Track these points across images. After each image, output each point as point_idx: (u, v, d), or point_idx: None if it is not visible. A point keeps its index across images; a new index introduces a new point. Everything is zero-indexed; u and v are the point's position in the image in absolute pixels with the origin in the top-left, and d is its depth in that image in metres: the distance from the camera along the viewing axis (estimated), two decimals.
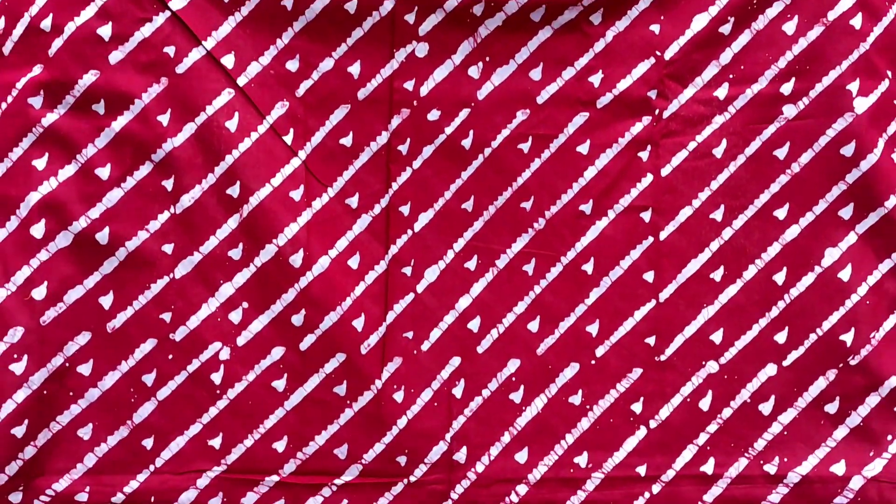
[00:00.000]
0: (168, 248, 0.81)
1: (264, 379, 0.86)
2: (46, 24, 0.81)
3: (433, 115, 0.85)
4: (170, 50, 0.81)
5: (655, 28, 0.83)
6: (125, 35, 0.81)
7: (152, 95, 0.81)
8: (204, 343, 0.85)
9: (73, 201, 0.81)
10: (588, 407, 0.86)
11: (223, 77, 0.82)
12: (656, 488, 0.86)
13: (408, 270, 0.85)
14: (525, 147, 0.86)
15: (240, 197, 0.83)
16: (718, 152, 0.85)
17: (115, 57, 0.81)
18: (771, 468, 0.85)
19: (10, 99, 0.81)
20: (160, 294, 0.84)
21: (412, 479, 0.86)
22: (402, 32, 0.85)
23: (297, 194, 0.84)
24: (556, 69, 0.86)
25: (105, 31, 0.80)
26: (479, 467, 0.86)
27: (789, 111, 0.85)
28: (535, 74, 0.85)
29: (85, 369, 0.82)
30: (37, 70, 0.82)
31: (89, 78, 0.80)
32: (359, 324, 0.84)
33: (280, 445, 0.85)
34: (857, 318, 0.84)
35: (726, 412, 0.86)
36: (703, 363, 0.86)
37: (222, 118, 0.81)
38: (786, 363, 0.85)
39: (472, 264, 0.85)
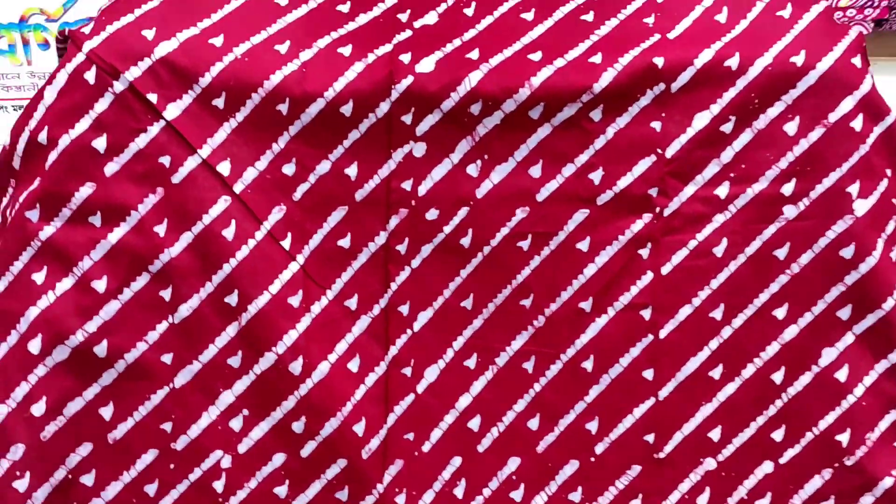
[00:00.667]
0: (167, 358, 0.80)
1: (266, 486, 0.85)
2: (43, 137, 0.80)
3: (431, 214, 0.84)
4: (165, 160, 0.79)
5: (657, 125, 0.82)
6: (120, 146, 0.79)
7: (148, 206, 0.80)
8: (205, 451, 0.84)
9: (70, 315, 0.80)
10: None
11: (219, 184, 0.81)
12: None
13: (408, 371, 0.84)
14: (525, 245, 0.84)
15: (238, 305, 0.82)
16: (719, 251, 0.85)
17: (111, 169, 0.79)
18: None
19: (11, 213, 0.80)
20: (160, 404, 0.83)
21: None
22: (399, 133, 0.83)
23: (295, 300, 0.83)
24: (556, 166, 0.84)
25: (100, 143, 0.79)
26: None
27: (790, 212, 0.84)
28: (535, 171, 0.84)
29: (88, 480, 0.81)
30: (34, 184, 0.80)
31: (85, 191, 0.79)
32: (360, 428, 0.83)
33: None
34: (853, 418, 0.84)
35: None
36: (702, 460, 0.85)
37: (219, 226, 0.80)
38: (782, 461, 0.84)
39: (471, 362, 0.84)
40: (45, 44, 1.96)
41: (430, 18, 0.86)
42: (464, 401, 0.85)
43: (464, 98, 0.82)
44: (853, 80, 0.82)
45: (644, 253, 0.85)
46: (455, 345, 0.85)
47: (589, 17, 0.85)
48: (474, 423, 0.85)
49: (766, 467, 0.85)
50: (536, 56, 0.83)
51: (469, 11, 0.86)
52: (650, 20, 0.85)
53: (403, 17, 0.85)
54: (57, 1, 1.95)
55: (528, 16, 0.86)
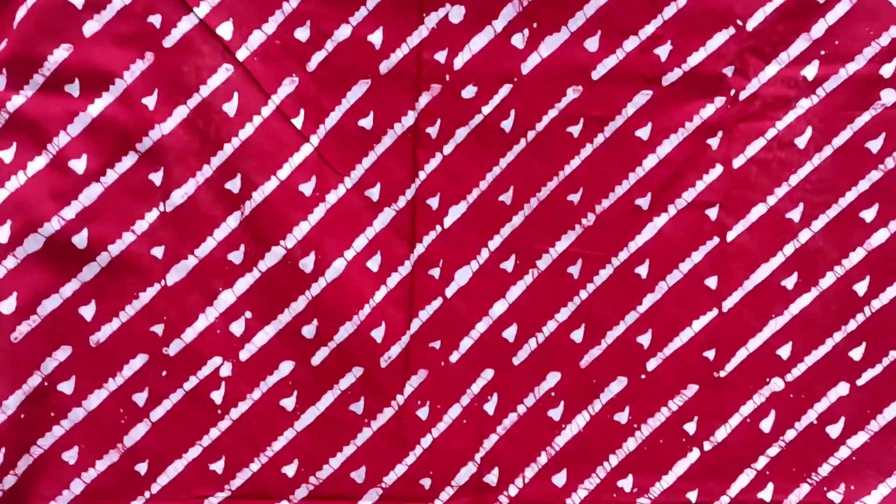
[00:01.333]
0: (158, 252, 0.79)
1: (271, 397, 0.85)
2: None
3: (468, 91, 0.82)
4: (155, 19, 0.76)
5: None
6: (102, 2, 0.75)
7: (135, 74, 0.77)
8: (202, 358, 0.83)
9: (44, 199, 0.77)
10: (636, 426, 0.85)
11: (219, 50, 0.79)
12: None
13: (436, 272, 0.84)
14: (575, 130, 0.83)
15: (241, 192, 0.81)
16: (802, 142, 0.84)
17: (91, 28, 0.76)
18: (836, 496, 0.85)
19: None
20: (150, 304, 0.81)
21: (438, 503, 0.86)
22: None
23: (308, 187, 0.82)
24: (616, 39, 0.82)
25: None
26: (513, 490, 0.85)
27: (888, 97, 0.83)
28: (591, 45, 0.82)
29: (66, 388, 0.79)
30: (0, 45, 0.76)
31: (60, 54, 0.76)
32: (378, 334, 0.83)
33: (290, 469, 0.85)
34: None
35: (790, 434, 0.85)
36: (768, 380, 0.85)
37: (220, 100, 0.78)
38: (860, 382, 0.85)
39: (509, 265, 0.84)
40: None
41: None
42: (499, 307, 0.84)
43: None
44: None
45: (714, 143, 0.84)
46: (491, 244, 0.84)
47: None
48: (510, 333, 0.85)
49: (842, 389, 0.85)
50: None
51: None
52: None
53: None
54: None
55: None
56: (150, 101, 0.77)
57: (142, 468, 0.84)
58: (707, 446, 0.85)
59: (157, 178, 0.79)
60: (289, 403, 0.85)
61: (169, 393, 0.83)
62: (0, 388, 0.79)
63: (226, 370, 0.84)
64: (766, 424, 0.85)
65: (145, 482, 0.84)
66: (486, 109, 0.83)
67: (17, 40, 0.77)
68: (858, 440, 0.85)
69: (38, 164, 0.77)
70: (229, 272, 0.83)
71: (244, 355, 0.84)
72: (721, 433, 0.85)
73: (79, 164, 0.77)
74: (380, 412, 0.85)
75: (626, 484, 0.85)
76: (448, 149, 0.83)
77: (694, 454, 0.85)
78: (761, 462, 0.85)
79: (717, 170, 0.82)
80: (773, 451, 0.85)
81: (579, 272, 0.84)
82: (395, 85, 0.83)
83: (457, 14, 0.81)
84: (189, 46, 0.78)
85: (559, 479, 0.85)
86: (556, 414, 0.85)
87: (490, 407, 0.85)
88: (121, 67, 0.77)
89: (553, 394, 0.86)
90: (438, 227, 0.84)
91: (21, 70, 0.77)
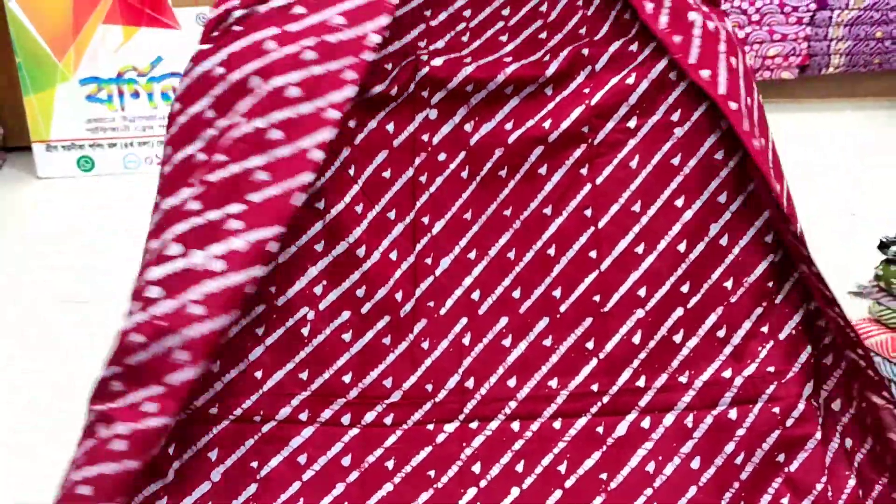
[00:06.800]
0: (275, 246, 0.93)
1: (336, 333, 1.01)
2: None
3: (441, 156, 1.05)
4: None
5: (587, 90, 1.05)
6: None
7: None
8: (297, 308, 1.00)
9: None
10: (556, 347, 1.02)
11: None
12: (605, 399, 1.00)
13: (429, 261, 1.03)
14: (503, 174, 1.05)
15: (324, 209, 1.00)
16: (633, 164, 1.03)
17: None
18: (683, 379, 1.00)
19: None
20: (270, 274, 0.97)
21: (436, 399, 1.01)
22: (420, 103, 1.04)
23: (358, 209, 1.02)
24: (522, 121, 1.05)
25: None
26: (483, 391, 1.01)
27: (678, 132, 1.03)
28: (508, 126, 1.05)
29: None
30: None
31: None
32: (399, 296, 1.02)
33: (347, 378, 1.01)
34: (736, 269, 1.00)
35: (651, 343, 1.01)
36: (634, 311, 1.01)
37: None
38: (689, 305, 1.01)
39: (472, 255, 1.04)
40: (136, 94, 2.33)
41: (440, 44, 1.09)
42: (467, 280, 1.04)
43: (462, 81, 1.05)
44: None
45: (584, 171, 1.04)
46: (461, 243, 1.05)
47: (543, 35, 1.09)
48: (475, 295, 1.04)
49: (678, 312, 1.02)
50: (509, 59, 1.07)
51: (465, 38, 1.10)
52: (583, 30, 1.09)
53: (422, 44, 1.09)
54: (146, 59, 2.32)
55: (504, 38, 1.10)
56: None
57: (258, 374, 0.99)
58: (601, 356, 1.01)
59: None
60: (346, 337, 1.01)
61: (277, 328, 1.00)
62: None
63: (311, 315, 1.01)
64: (636, 339, 1.01)
65: (259, 384, 0.99)
66: (452, 166, 1.05)
67: None
68: (693, 342, 1.01)
69: None
70: (315, 256, 1.01)
71: (322, 306, 1.01)
72: (609, 346, 1.02)
73: None
74: (400, 344, 1.01)
75: (553, 383, 1.01)
76: (432, 189, 1.04)
77: (593, 362, 1.02)
78: (635, 363, 1.01)
79: (588, 187, 1.03)
80: (642, 355, 1.01)
81: (514, 255, 1.03)
82: (401, 153, 1.04)
83: (433, 114, 1.04)
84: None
85: (511, 382, 1.02)
86: (507, 342, 1.03)
87: (466, 340, 1.03)
88: None
89: (504, 330, 1.03)
90: (429, 234, 1.03)
91: None
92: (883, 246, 1.35)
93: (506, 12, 1.10)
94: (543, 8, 1.10)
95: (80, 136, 2.15)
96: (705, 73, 1.01)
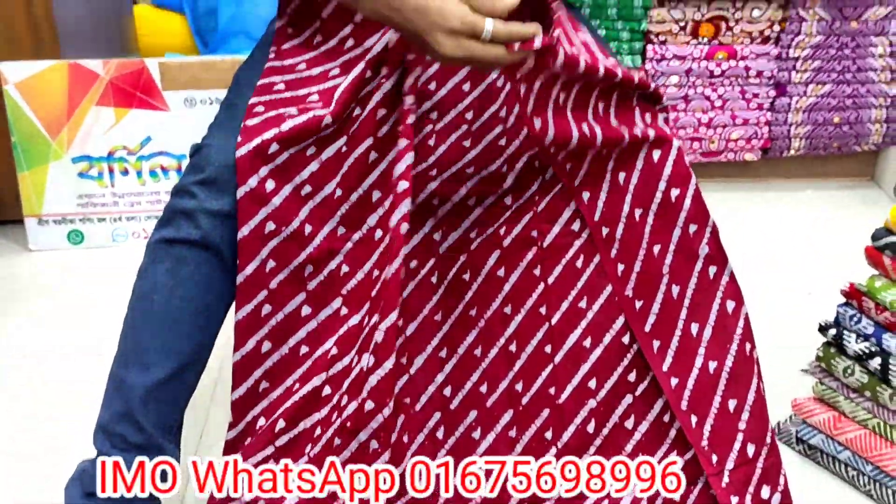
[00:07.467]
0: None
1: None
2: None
3: (413, 263, 1.17)
4: None
5: (537, 197, 1.18)
6: None
7: None
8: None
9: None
10: (520, 437, 1.15)
11: None
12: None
13: (404, 360, 1.15)
14: (466, 277, 1.19)
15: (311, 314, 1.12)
16: (579, 264, 1.17)
17: None
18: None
19: None
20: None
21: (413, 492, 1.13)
22: None
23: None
24: (483, 230, 1.19)
25: None
26: (456, 480, 1.14)
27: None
28: (472, 234, 1.20)
29: None
30: None
31: None
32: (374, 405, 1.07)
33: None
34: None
35: (604, 431, 1.14)
36: (586, 401, 1.14)
37: None
38: (637, 393, 1.15)
39: (443, 353, 1.17)
40: (126, 171, 2.42)
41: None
42: (440, 377, 1.15)
43: (427, 196, 1.16)
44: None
45: (536, 272, 1.17)
46: (433, 342, 1.16)
47: (503, 142, 1.17)
48: (447, 391, 1.16)
49: (628, 399, 1.16)
50: (470, 170, 1.17)
51: (431, 142, 1.17)
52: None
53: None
54: (136, 139, 2.42)
55: (467, 143, 1.18)
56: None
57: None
58: (560, 445, 1.14)
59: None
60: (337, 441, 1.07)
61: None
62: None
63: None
64: (591, 427, 1.14)
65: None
66: (423, 272, 1.17)
67: None
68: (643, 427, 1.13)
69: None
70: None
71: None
72: (565, 436, 1.14)
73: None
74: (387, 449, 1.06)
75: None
76: (405, 294, 1.14)
77: (552, 451, 1.14)
78: (591, 450, 1.13)
79: (541, 287, 1.17)
80: (597, 442, 1.13)
81: (480, 353, 1.16)
82: (379, 261, 1.11)
83: (404, 228, 1.06)
84: None
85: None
86: (476, 435, 1.13)
87: (440, 434, 1.14)
88: None
89: (473, 423, 1.14)
90: (403, 336, 1.13)
91: None
92: (822, 329, 1.42)
93: (469, 116, 1.16)
94: (503, 113, 1.16)
95: (72, 210, 2.24)
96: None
